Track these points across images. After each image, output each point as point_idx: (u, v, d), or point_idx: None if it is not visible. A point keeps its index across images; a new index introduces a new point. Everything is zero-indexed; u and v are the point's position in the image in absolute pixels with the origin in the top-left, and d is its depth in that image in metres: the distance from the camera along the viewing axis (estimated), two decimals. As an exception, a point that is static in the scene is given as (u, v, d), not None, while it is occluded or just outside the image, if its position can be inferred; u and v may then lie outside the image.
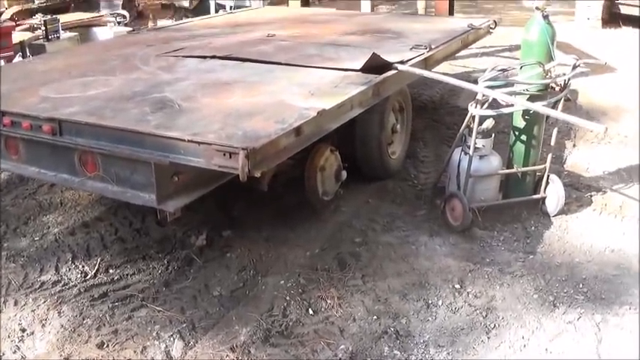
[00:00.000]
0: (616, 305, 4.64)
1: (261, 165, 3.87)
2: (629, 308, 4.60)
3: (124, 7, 13.26)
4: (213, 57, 6.30)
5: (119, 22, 11.05)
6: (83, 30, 10.72)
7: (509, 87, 5.48)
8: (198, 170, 4.15)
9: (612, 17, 15.06)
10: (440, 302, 4.65)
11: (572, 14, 15.32)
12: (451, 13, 10.52)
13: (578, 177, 6.68)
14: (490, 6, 18.47)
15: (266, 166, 3.96)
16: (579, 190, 6.33)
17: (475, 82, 5.58)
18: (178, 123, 4.34)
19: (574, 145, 7.56)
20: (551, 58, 5.51)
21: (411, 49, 6.59)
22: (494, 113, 5.44)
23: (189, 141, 3.96)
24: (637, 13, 14.65)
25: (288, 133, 4.14)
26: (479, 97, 5.40)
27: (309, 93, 5.02)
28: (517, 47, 11.91)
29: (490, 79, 5.40)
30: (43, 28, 9.69)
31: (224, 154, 3.86)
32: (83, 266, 5.08)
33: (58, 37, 9.75)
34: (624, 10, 14.91)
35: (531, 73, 5.46)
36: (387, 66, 5.76)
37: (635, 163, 6.98)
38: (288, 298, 4.64)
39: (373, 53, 5.72)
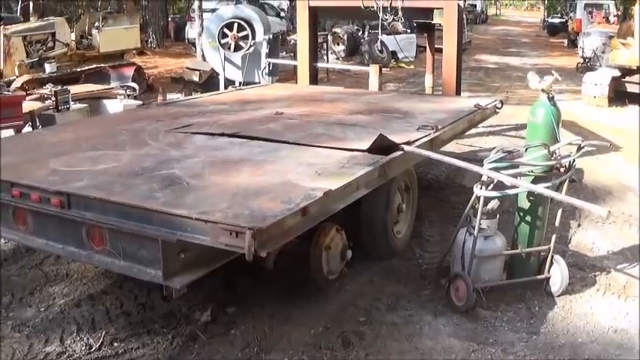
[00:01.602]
0: (619, 385, 4.64)
1: (267, 244, 3.90)
2: (630, 388, 4.61)
3: (134, 80, 13.44)
4: (222, 134, 6.39)
5: (129, 95, 11.18)
6: (93, 101, 10.84)
7: (515, 168, 5.54)
8: (204, 248, 4.18)
9: (618, 95, 15.24)
10: (443, 383, 4.64)
11: (579, 92, 15.51)
12: (458, 92, 10.62)
13: (583, 257, 6.72)
14: (497, 84, 18.71)
15: (272, 246, 3.99)
16: (583, 270, 6.36)
17: (481, 162, 5.65)
18: (186, 201, 4.40)
19: (579, 225, 7.60)
20: (556, 140, 5.59)
21: (417, 129, 6.67)
22: (499, 194, 5.50)
23: (196, 219, 4.02)
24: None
25: (294, 214, 4.18)
26: (484, 178, 5.46)
27: (315, 173, 5.07)
28: (523, 126, 12.07)
29: (495, 161, 5.47)
30: (54, 98, 9.78)
31: (231, 233, 3.90)
32: (88, 338, 5.07)
33: (68, 108, 9.84)
34: (630, 88, 15.09)
35: (536, 154, 5.53)
36: (393, 146, 5.82)
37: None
38: (291, 376, 4.64)
39: (380, 134, 5.80)
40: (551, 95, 5.62)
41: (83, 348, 4.97)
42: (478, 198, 5.55)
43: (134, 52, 17.18)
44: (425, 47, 22.50)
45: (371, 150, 5.70)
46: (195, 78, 14.80)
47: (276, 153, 5.74)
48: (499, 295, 5.76)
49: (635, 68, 15.03)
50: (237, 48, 13.90)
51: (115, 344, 5.02)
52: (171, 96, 12.29)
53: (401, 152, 5.81)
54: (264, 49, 13.90)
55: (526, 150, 5.61)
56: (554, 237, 5.91)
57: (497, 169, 5.44)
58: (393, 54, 23.20)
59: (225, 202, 4.35)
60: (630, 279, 6.18)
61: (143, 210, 4.25)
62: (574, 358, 4.95)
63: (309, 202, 4.36)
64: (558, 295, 5.83)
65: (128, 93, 10.80)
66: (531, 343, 5.15)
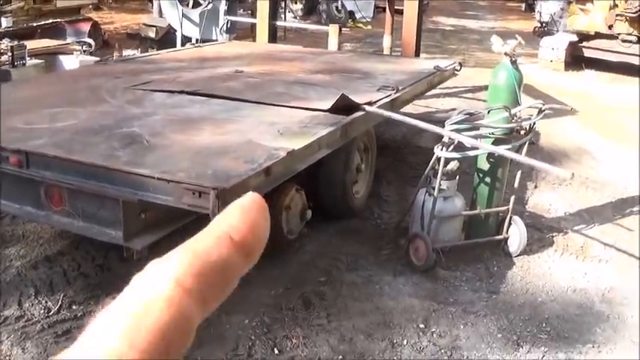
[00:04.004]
0: (579, 344, 4.75)
1: (230, 205, 3.87)
2: (592, 347, 4.70)
3: (90, 36, 13.18)
4: (182, 92, 6.28)
5: (85, 51, 10.97)
6: (49, 57, 10.63)
7: (475, 130, 5.56)
8: (165, 208, 4.14)
9: (575, 60, 15.37)
10: (405, 342, 4.69)
11: (536, 56, 15.59)
12: (417, 54, 10.61)
13: (540, 218, 6.79)
14: (454, 47, 18.71)
15: (235, 207, 3.95)
16: (541, 231, 6.44)
17: (438, 123, 5.66)
18: (147, 160, 4.34)
19: (535, 187, 7.68)
20: (517, 103, 5.62)
21: (378, 89, 6.65)
22: (460, 156, 5.52)
23: (158, 179, 3.96)
24: (599, 57, 15.00)
25: (257, 174, 4.16)
26: (445, 139, 5.47)
27: (277, 132, 5.03)
28: (480, 89, 12.14)
29: (456, 123, 5.48)
30: (10, 53, 9.59)
31: (194, 193, 3.86)
32: (46, 301, 5.00)
33: (24, 64, 9.63)
34: (587, 53, 15.24)
35: (497, 117, 5.55)
36: (355, 107, 5.80)
37: (596, 204, 7.15)
38: (253, 337, 4.63)
39: (342, 94, 5.76)
40: (514, 59, 5.64)
41: (42, 311, 4.90)
42: (438, 159, 5.56)
43: (90, 7, 16.85)
44: (383, 8, 22.51)
45: (332, 110, 5.67)
46: (152, 34, 14.54)
47: (238, 112, 5.68)
48: (458, 255, 5.82)
49: (593, 34, 15.15)
50: (196, 4, 13.68)
51: (74, 307, 4.96)
52: (128, 52, 12.06)
53: (363, 112, 5.78)
54: (223, 6, 13.71)
55: (488, 112, 5.62)
56: (512, 198, 5.97)
57: (458, 131, 5.45)
58: (351, 14, 23.03)
59: (187, 162, 4.31)
60: (587, 240, 6.28)
61: (104, 169, 4.18)
62: (534, 318, 5.02)
63: (272, 162, 4.32)
64: (516, 256, 5.92)
65: (84, 49, 10.60)
66: (491, 302, 5.21)
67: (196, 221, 4.38)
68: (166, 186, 3.96)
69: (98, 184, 4.19)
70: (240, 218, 0.50)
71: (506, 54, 5.63)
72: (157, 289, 0.46)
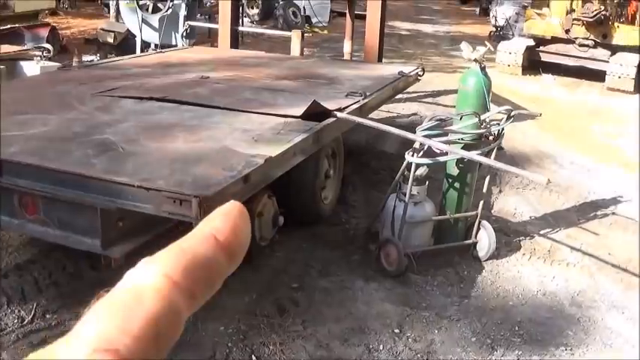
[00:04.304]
0: (552, 347, 4.83)
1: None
2: (565, 349, 4.77)
3: (48, 41, 13.02)
4: (151, 98, 6.24)
5: (44, 57, 10.84)
6: (8, 63, 10.48)
7: (445, 136, 5.61)
8: (142, 216, 4.12)
9: (532, 64, 15.57)
10: (381, 347, 4.72)
11: (492, 60, 15.75)
12: (380, 59, 10.67)
13: (506, 222, 6.88)
14: (411, 51, 18.82)
15: (216, 214, 3.93)
16: (508, 235, 6.52)
17: (405, 128, 5.72)
18: (125, 167, 4.31)
19: (500, 191, 7.76)
20: (486, 109, 5.68)
21: (346, 95, 6.67)
22: (431, 161, 5.56)
23: (139, 187, 3.94)
24: (556, 61, 15.22)
25: (237, 181, 4.15)
26: (416, 145, 5.51)
27: (252, 139, 5.04)
28: (439, 93, 12.26)
29: (428, 129, 5.52)
30: (-29, 59, 9.45)
31: (175, 201, 3.85)
32: (19, 311, 4.93)
33: (-16, 70, 9.53)
34: (544, 57, 15.45)
35: (467, 122, 5.61)
36: (326, 113, 5.82)
37: (560, 208, 7.26)
38: (230, 344, 4.62)
39: (314, 100, 5.78)
40: (483, 65, 5.70)
41: (16, 321, 4.84)
42: (409, 165, 5.60)
43: (47, 12, 16.67)
44: (338, 13, 22.56)
45: (304, 116, 5.69)
46: (110, 40, 14.43)
47: (209, 118, 5.66)
48: (428, 260, 5.87)
49: (550, 38, 15.36)
50: (156, 9, 13.60)
51: (48, 316, 4.90)
52: (87, 58, 11.98)
53: (334, 119, 5.81)
54: (183, 11, 13.66)
55: (461, 118, 5.67)
56: (481, 203, 6.03)
57: (428, 137, 5.50)
58: (307, 19, 23.10)
59: (165, 169, 4.29)
60: (554, 244, 6.37)
61: (81, 177, 4.14)
62: (507, 321, 5.09)
63: (251, 169, 4.33)
64: (485, 260, 5.98)
65: (44, 54, 10.46)
66: (463, 306, 5.27)
67: (174, 229, 4.39)
68: (146, 194, 3.93)
69: (75, 192, 4.15)
70: (223, 222, 0.52)
71: (475, 60, 5.70)
72: (148, 281, 0.48)
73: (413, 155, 5.54)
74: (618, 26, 14.70)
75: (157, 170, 4.28)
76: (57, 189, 4.22)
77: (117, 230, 4.23)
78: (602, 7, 14.47)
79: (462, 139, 5.65)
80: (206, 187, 3.95)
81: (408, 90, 9.55)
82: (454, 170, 5.93)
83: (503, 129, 5.79)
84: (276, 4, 23.15)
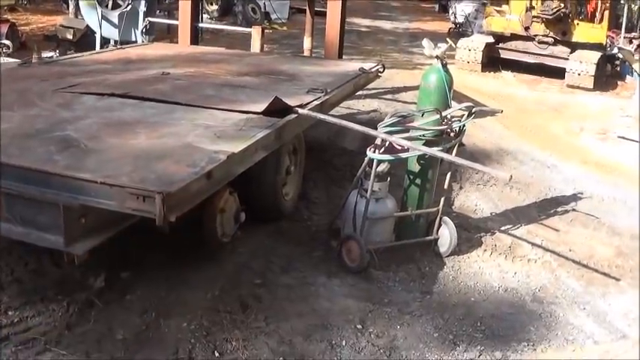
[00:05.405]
0: (514, 342, 4.89)
1: (174, 209, 3.87)
2: (527, 345, 4.84)
3: (7, 37, 12.93)
4: (112, 95, 6.22)
5: (3, 53, 10.76)
6: (-34, 59, 10.40)
7: (406, 132, 5.65)
8: (104, 212, 4.11)
9: (491, 61, 15.71)
10: (343, 342, 4.74)
11: (452, 57, 15.86)
12: (340, 55, 10.71)
13: (467, 218, 6.95)
14: (370, 48, 18.89)
15: (179, 211, 3.94)
16: (468, 231, 6.59)
17: (366, 124, 5.76)
18: (87, 164, 4.30)
19: (461, 187, 7.83)
20: (448, 105, 5.73)
21: (307, 92, 6.71)
22: (392, 158, 5.60)
23: (102, 183, 3.93)
24: (516, 58, 15.39)
25: (200, 178, 4.17)
26: (377, 141, 5.55)
27: (214, 135, 5.05)
28: (398, 90, 12.32)
29: (389, 125, 5.56)
30: None
31: (138, 198, 3.85)
32: (-19, 308, 4.92)
33: (-57, 67, 9.40)
34: (504, 54, 15.61)
35: (428, 119, 5.66)
36: (288, 109, 5.84)
37: (520, 204, 7.39)
38: (192, 340, 4.61)
39: (275, 97, 5.80)
40: (444, 62, 5.76)
41: (-22, 319, 4.81)
42: (370, 161, 5.63)
43: (6, 8, 16.51)
44: (297, 9, 22.57)
45: (266, 112, 5.70)
46: (69, 36, 14.33)
47: (171, 115, 5.66)
48: (389, 255, 5.90)
49: (509, 35, 15.51)
50: (115, 6, 13.53)
51: (10, 313, 4.85)
52: (46, 54, 11.86)
53: (295, 115, 5.83)
54: (142, 8, 13.61)
55: (422, 115, 5.71)
56: (442, 199, 6.09)
57: (390, 133, 5.54)
58: (266, 15, 23.10)
59: (128, 166, 4.28)
60: (515, 240, 6.46)
61: (44, 174, 4.12)
62: (469, 317, 5.16)
63: (213, 165, 4.34)
64: (447, 256, 6.03)
65: (4, 51, 10.37)
66: (425, 302, 5.32)
67: (136, 225, 4.39)
68: (109, 190, 3.93)
69: (37, 188, 4.13)
70: None
71: (437, 57, 5.75)
72: None
73: (374, 151, 5.57)
74: (578, 23, 14.92)
75: (119, 167, 4.26)
76: (19, 186, 4.20)
77: (80, 227, 4.20)
78: (562, 5, 14.66)
79: (423, 136, 5.69)
80: (169, 183, 3.96)
81: (369, 87, 9.60)
82: (415, 167, 5.98)
83: (464, 126, 5.86)
84: (236, 1, 23.12)
